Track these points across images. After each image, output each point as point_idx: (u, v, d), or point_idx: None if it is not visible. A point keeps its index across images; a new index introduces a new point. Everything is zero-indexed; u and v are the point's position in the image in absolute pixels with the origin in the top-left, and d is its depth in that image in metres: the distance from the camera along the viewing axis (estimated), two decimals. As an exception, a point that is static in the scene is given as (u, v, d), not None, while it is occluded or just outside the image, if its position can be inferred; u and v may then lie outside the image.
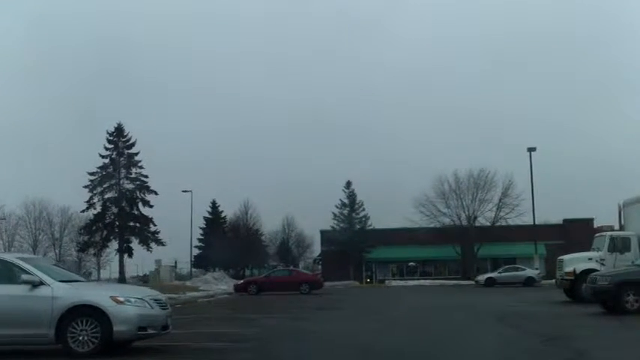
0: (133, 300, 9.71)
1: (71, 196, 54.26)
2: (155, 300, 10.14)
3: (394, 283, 53.96)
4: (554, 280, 44.68)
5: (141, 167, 41.19)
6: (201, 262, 66.80)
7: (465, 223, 58.64)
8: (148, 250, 42.09)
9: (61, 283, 9.70)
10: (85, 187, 40.29)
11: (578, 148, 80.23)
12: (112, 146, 41.10)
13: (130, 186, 40.90)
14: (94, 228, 41.12)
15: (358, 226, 61.78)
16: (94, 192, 40.48)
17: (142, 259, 69.07)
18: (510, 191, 57.33)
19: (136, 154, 41.26)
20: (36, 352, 10.04)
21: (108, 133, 40.98)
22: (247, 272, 69.24)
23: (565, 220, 60.03)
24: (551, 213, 59.78)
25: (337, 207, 62.37)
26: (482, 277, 45.98)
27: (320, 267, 66.61)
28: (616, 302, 16.68)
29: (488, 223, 58.60)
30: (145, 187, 40.64)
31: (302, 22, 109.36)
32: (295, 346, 11.17)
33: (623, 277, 17.20)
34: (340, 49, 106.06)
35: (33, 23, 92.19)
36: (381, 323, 14.63)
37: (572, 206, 70.51)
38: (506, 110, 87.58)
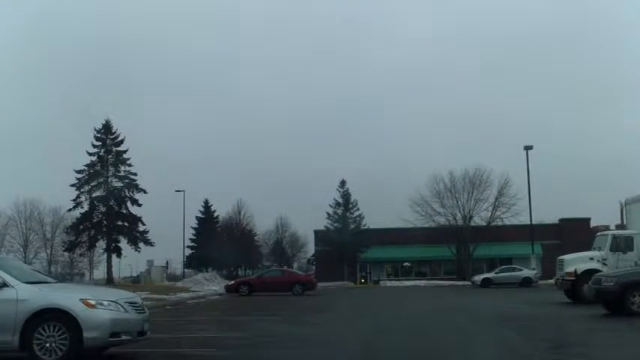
0: (105, 303, 8.88)
1: (63, 196, 53.66)
2: (130, 303, 9.30)
3: (389, 283, 53.23)
4: (553, 281, 44.54)
5: (129, 165, 40.33)
6: (194, 262, 66.05)
7: (460, 222, 57.96)
8: (136, 250, 41.16)
9: (26, 285, 8.85)
10: (72, 185, 39.35)
11: (573, 148, 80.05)
12: (100, 143, 40.08)
13: (119, 184, 39.93)
14: (81, 227, 40.09)
15: (352, 226, 60.93)
16: (81, 190, 39.50)
17: (135, 260, 68.60)
18: (506, 190, 56.86)
19: (125, 151, 40.34)
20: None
21: (95, 130, 40.08)
22: (241, 272, 68.47)
23: (561, 220, 59.49)
24: (546, 213, 59.30)
25: (331, 206, 61.64)
26: (478, 278, 45.29)
27: (314, 267, 65.80)
28: (621, 304, 16.06)
29: (483, 223, 57.95)
30: (133, 186, 39.65)
31: (296, 23, 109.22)
32: (284, 353, 10.37)
33: (629, 277, 16.56)
34: (337, 49, 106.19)
35: (27, 23, 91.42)
36: (377, 327, 13.84)
37: (567, 206, 70.06)
38: (502, 110, 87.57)
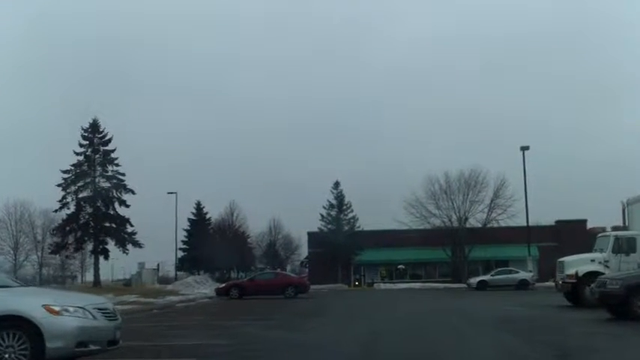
0: (71, 309, 8.03)
1: (53, 198, 52.63)
2: (100, 309, 8.45)
3: (383, 286, 52.44)
4: (553, 283, 43.86)
5: (117, 165, 39.24)
6: (186, 264, 65.11)
7: (455, 224, 57.14)
8: (124, 252, 40.12)
9: (-18, 290, 8.01)
10: (59, 185, 38.33)
11: (570, 149, 79.50)
12: (87, 143, 39.12)
13: (106, 184, 38.93)
14: (67, 229, 39.11)
15: (346, 228, 60.05)
16: (68, 191, 38.50)
17: (129, 262, 67.61)
18: (502, 192, 56.05)
19: (113, 151, 39.32)
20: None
21: (83, 129, 39.07)
22: (234, 275, 67.54)
23: (558, 222, 58.78)
24: (542, 214, 58.39)
25: (325, 208, 60.76)
26: (474, 280, 44.61)
27: (307, 270, 64.95)
28: (625, 307, 15.34)
29: (479, 225, 57.16)
30: (121, 186, 38.68)
31: (292, 23, 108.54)
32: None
33: (634, 280, 15.81)
34: (335, 49, 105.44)
35: (26, 23, 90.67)
36: (372, 332, 13.03)
37: (564, 208, 69.57)
38: (500, 110, 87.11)
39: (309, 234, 62.47)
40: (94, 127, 38.92)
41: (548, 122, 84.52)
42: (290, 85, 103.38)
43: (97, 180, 38.98)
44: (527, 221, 47.66)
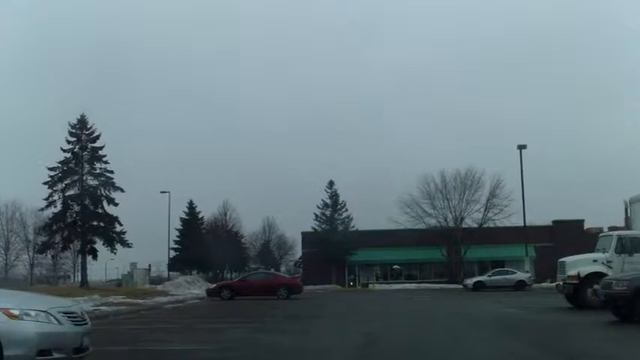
0: (32, 314, 7.21)
1: (43, 196, 51.85)
2: (66, 313, 7.62)
3: (378, 286, 51.71)
4: (550, 284, 43.24)
5: (106, 162, 38.19)
6: (179, 264, 64.26)
7: (451, 224, 56.45)
8: (112, 251, 39.11)
9: None
10: (45, 183, 37.30)
11: (566, 149, 79.04)
12: (75, 139, 38.10)
13: (94, 182, 37.93)
14: (54, 228, 38.10)
15: (341, 228, 59.27)
16: (54, 189, 37.48)
17: (122, 262, 66.70)
18: (499, 191, 55.40)
19: (101, 147, 38.24)
20: None
21: (70, 125, 37.98)
22: (227, 275, 66.72)
23: (554, 222, 58.15)
24: (538, 214, 57.69)
25: (319, 207, 59.95)
26: (470, 281, 43.95)
27: (301, 270, 64.14)
28: (633, 310, 14.64)
29: (475, 225, 56.45)
30: (110, 184, 37.66)
31: (288, 24, 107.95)
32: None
33: (642, 281, 15.04)
34: (326, 50, 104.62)
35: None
36: (367, 336, 12.20)
37: (560, 208, 69.00)
38: (497, 111, 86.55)
39: (303, 234, 61.65)
40: (82, 123, 37.89)
41: (545, 122, 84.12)
42: (285, 86, 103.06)
43: (84, 178, 37.95)
44: (525, 221, 47.02)
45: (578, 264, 20.95)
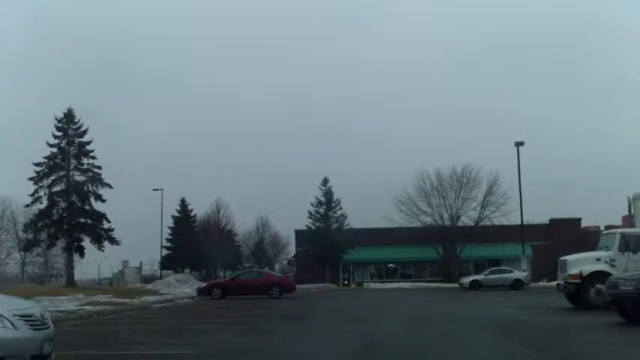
0: (-18, 317, 6.38)
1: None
2: (23, 316, 6.78)
3: (373, 285, 50.93)
4: (547, 283, 42.60)
5: (93, 157, 37.06)
6: (171, 263, 63.35)
7: (447, 222, 55.70)
8: (99, 249, 38.11)
9: None
10: (30, 179, 36.19)
11: (562, 148, 78.60)
12: (61, 134, 36.98)
13: (81, 178, 36.86)
14: (39, 225, 37.01)
15: (335, 226, 58.41)
16: (40, 185, 36.40)
17: (116, 260, 65.87)
18: (495, 189, 54.62)
19: (88, 142, 37.20)
20: None
21: (56, 119, 36.79)
22: (220, 274, 65.83)
23: (551, 220, 57.46)
24: (535, 213, 57.06)
25: (313, 205, 59.00)
26: (466, 280, 43.20)
27: (294, 268, 63.32)
28: (640, 310, 13.88)
29: (471, 223, 55.67)
30: (97, 180, 36.62)
31: (283, 23, 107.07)
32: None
33: (650, 280, 14.30)
34: (323, 46, 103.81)
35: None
36: (361, 340, 11.38)
37: (556, 206, 68.39)
38: (495, 111, 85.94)
39: (297, 232, 60.79)
40: (69, 117, 36.77)
41: (543, 122, 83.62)
42: (279, 84, 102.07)
43: (71, 173, 36.86)
44: (522, 219, 46.37)
45: (580, 263, 20.24)
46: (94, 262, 70.85)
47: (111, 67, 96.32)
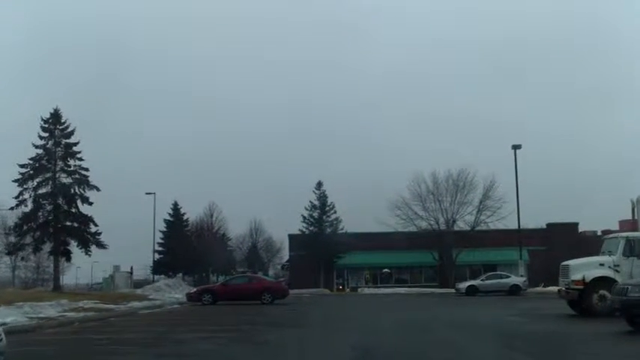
0: None
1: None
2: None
3: (367, 290, 50.07)
4: (544, 288, 41.83)
5: (80, 159, 36.03)
6: (163, 267, 62.37)
7: (443, 227, 54.85)
8: (86, 253, 37.00)
9: None
10: (15, 180, 35.06)
11: (562, 153, 78.01)
12: (47, 134, 35.93)
13: (68, 180, 35.77)
14: (24, 228, 35.89)
15: (329, 230, 57.48)
16: (25, 187, 35.30)
17: (109, 265, 64.66)
18: (492, 193, 53.74)
19: (75, 144, 36.14)
20: None
21: (42, 119, 35.75)
22: (213, 279, 64.87)
23: (548, 225, 56.71)
24: (531, 218, 56.32)
25: (307, 209, 58.08)
26: (463, 285, 42.35)
27: (288, 273, 62.40)
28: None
29: (467, 228, 54.85)
30: (84, 182, 35.53)
31: (279, 26, 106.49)
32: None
33: (662, 287, 13.56)
34: (316, 52, 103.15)
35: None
36: (356, 351, 10.53)
37: (552, 211, 67.66)
38: (493, 113, 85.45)
39: (290, 236, 59.86)
40: (56, 117, 35.71)
41: (541, 125, 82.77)
42: (272, 87, 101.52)
43: (57, 175, 35.82)
44: (519, 223, 45.66)
45: (583, 268, 19.48)
46: (88, 267, 70.04)
47: (109, 68, 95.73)
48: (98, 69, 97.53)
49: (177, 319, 21.60)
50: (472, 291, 40.49)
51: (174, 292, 38.19)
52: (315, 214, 57.92)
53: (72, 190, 35.79)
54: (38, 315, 20.23)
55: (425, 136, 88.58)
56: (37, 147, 35.90)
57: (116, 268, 70.63)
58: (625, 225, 42.67)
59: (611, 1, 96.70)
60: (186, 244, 59.69)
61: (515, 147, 44.52)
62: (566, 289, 19.69)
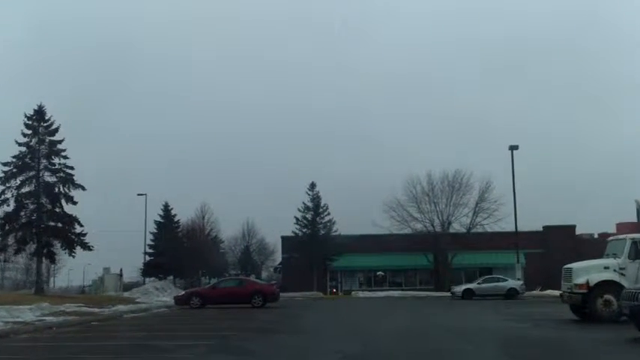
0: None
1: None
2: None
3: (361, 294, 49.14)
4: (540, 292, 40.99)
5: (65, 157, 34.91)
6: (153, 270, 61.22)
7: (438, 229, 53.96)
8: (70, 254, 35.89)
9: None
10: (-3, 180, 33.94)
11: (558, 156, 77.33)
12: (31, 132, 34.87)
13: (52, 179, 34.70)
14: (6, 228, 34.73)
15: (323, 232, 56.48)
16: (7, 185, 34.13)
17: (101, 268, 63.46)
18: (488, 195, 52.94)
19: (60, 141, 35.06)
20: None
21: (26, 116, 34.61)
22: (204, 281, 63.79)
23: (545, 227, 55.89)
24: (528, 220, 55.49)
25: (300, 210, 57.03)
26: (458, 289, 41.46)
27: (280, 276, 61.39)
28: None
29: (463, 230, 53.97)
30: (69, 181, 34.47)
31: (275, 26, 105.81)
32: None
33: (673, 292, 12.68)
34: (312, 52, 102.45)
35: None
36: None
37: (549, 213, 66.85)
38: (492, 114, 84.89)
39: (283, 238, 58.87)
40: (40, 114, 34.61)
41: (539, 127, 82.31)
42: (265, 87, 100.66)
43: (41, 174, 34.72)
44: (516, 225, 44.79)
45: (587, 271, 18.58)
46: (80, 269, 68.85)
47: (109, 68, 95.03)
48: (98, 69, 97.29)
49: (163, 323, 20.63)
50: (468, 294, 39.66)
51: (162, 295, 37.20)
52: (309, 216, 56.90)
53: (56, 189, 34.70)
54: (15, 319, 19.30)
55: (420, 137, 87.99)
56: (20, 144, 34.82)
57: (106, 270, 69.49)
58: (623, 227, 42.04)
59: (612, 1, 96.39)
60: (176, 246, 58.60)
61: (513, 147, 43.77)
62: (570, 293, 18.80)
